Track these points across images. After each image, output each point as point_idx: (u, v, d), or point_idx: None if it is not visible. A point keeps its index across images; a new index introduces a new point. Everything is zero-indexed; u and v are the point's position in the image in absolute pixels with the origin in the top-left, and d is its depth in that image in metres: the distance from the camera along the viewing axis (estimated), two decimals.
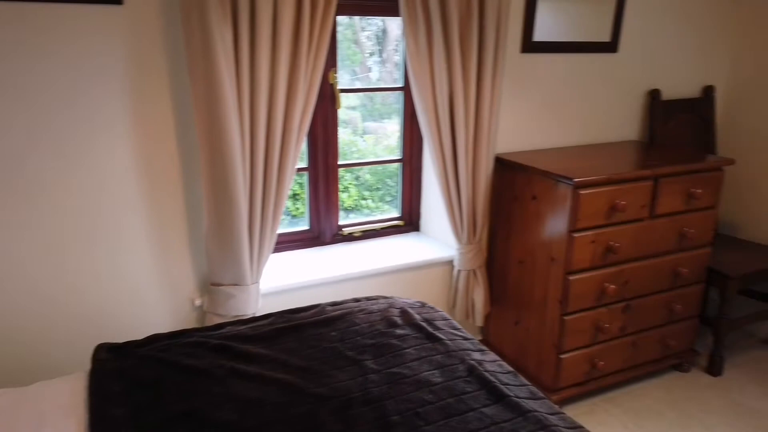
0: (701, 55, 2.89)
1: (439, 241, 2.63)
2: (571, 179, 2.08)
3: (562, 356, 2.28)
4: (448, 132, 2.24)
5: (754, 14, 2.83)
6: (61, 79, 1.69)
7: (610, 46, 2.63)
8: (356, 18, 2.54)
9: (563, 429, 1.25)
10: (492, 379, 1.41)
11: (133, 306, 1.98)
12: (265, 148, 1.91)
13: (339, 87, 2.35)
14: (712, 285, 2.56)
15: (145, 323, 2.01)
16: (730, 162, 2.41)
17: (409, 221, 2.76)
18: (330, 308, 1.76)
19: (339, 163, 2.50)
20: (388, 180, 2.74)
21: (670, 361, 2.58)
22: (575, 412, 2.32)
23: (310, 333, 1.61)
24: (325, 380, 1.39)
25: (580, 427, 1.28)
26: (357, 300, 1.84)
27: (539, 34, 2.44)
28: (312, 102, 1.94)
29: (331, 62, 2.31)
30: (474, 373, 1.44)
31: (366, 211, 2.80)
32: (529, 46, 2.43)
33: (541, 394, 1.41)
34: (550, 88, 2.56)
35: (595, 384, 2.39)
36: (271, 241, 2.02)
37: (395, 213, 2.75)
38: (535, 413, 1.29)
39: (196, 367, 1.41)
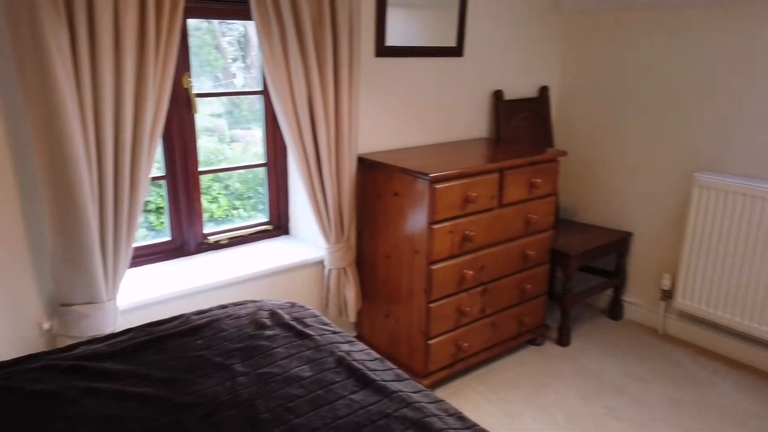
0: (536, 59, 3.21)
1: (308, 242, 2.66)
2: (427, 175, 2.21)
3: (430, 342, 2.41)
4: (310, 135, 2.28)
5: (575, 24, 3.20)
6: None
7: (456, 51, 2.83)
8: (216, 22, 2.50)
9: (425, 404, 1.33)
10: (360, 366, 1.47)
11: None
12: (114, 157, 1.81)
13: (195, 92, 2.30)
14: (556, 264, 2.85)
15: None
16: (563, 154, 2.70)
17: (278, 225, 2.76)
18: (195, 317, 1.72)
19: (200, 169, 2.44)
20: (259, 188, 2.72)
21: (526, 336, 2.83)
22: (445, 393, 2.46)
23: (174, 344, 1.56)
24: (192, 389, 1.36)
25: (441, 401, 1.38)
26: (224, 306, 1.81)
27: (391, 39, 2.57)
28: (164, 108, 1.89)
29: (185, 67, 2.25)
30: (343, 363, 1.49)
31: (238, 221, 2.75)
32: (383, 50, 2.54)
33: (406, 376, 1.49)
34: (405, 90, 2.70)
35: (462, 365, 2.56)
36: (127, 255, 1.92)
37: (264, 218, 2.74)
38: (401, 393, 1.37)
39: (45, 392, 1.31)
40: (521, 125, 3.15)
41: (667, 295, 2.94)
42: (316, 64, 2.19)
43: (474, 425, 1.28)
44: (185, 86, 2.26)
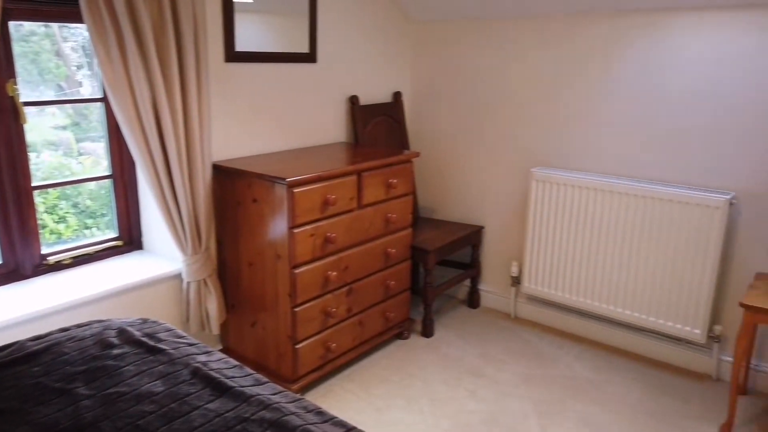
0: (388, 65, 3.35)
1: (164, 256, 2.54)
2: (284, 179, 2.22)
3: (298, 346, 2.41)
4: (157, 143, 2.18)
5: (423, 32, 3.40)
6: None
7: (309, 57, 2.87)
8: (55, 26, 2.29)
9: (284, 404, 1.34)
10: (216, 375, 1.44)
11: None
12: None
13: (23, 100, 2.10)
14: (417, 260, 2.99)
15: None
16: (416, 155, 2.85)
17: (130, 240, 2.60)
18: (31, 344, 1.57)
19: (34, 184, 2.24)
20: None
21: (393, 331, 2.94)
22: (316, 395, 2.48)
23: (6, 374, 1.42)
24: (28, 418, 1.25)
25: (301, 399, 1.39)
26: (65, 329, 1.68)
27: (242, 45, 2.54)
28: None
29: (9, 73, 2.05)
30: (198, 374, 1.45)
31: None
32: (233, 56, 2.51)
33: (265, 380, 1.49)
34: (260, 96, 2.68)
35: (331, 365, 2.59)
36: None
37: (113, 234, 2.57)
38: (259, 396, 1.36)
39: None
40: (378, 129, 3.26)
41: (516, 281, 3.21)
42: (159, 70, 2.11)
43: (332, 418, 1.31)
44: (10, 94, 2.06)
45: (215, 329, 2.52)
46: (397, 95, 3.40)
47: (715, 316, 2.61)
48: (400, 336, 3.02)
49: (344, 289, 2.57)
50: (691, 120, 2.54)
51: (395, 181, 2.70)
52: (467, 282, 3.45)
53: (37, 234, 2.26)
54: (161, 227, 2.42)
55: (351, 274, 2.59)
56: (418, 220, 3.38)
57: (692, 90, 2.52)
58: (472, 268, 3.32)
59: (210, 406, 1.32)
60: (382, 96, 3.36)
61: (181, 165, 2.26)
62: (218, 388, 1.40)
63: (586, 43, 2.79)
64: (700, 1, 2.39)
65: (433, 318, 3.08)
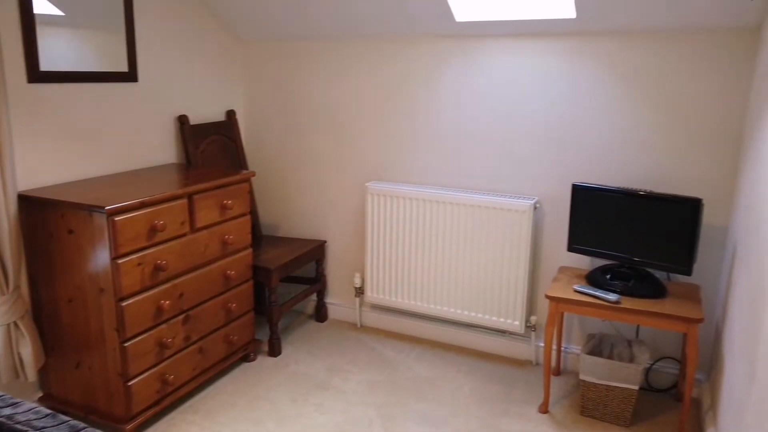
0: (220, 84, 3.29)
1: None
2: (103, 208, 2.08)
3: (131, 383, 2.27)
4: None
5: (254, 51, 3.39)
6: None
7: (129, 76, 2.73)
8: None
9: None
10: (24, 428, 1.32)
11: None
12: None
13: None
14: (260, 280, 2.97)
15: None
16: (252, 174, 2.83)
17: None
18: None
19: None
20: None
21: (238, 355, 2.88)
22: None
23: None
24: None
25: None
26: None
27: (49, 64, 2.34)
28: None
29: None
30: (2, 429, 1.31)
31: None
32: (38, 76, 2.31)
33: (83, 425, 1.39)
34: (75, 118, 2.49)
35: (170, 399, 2.47)
36: None
37: None
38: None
39: None
40: (212, 149, 3.19)
41: (360, 291, 3.32)
42: None
43: None
44: None
45: (32, 376, 2.28)
46: (231, 114, 3.36)
47: (531, 308, 2.94)
48: (246, 359, 2.97)
49: (180, 317, 2.48)
50: (499, 135, 2.84)
51: (230, 202, 2.66)
52: (314, 296, 3.49)
53: None
54: None
55: (187, 301, 2.50)
56: (261, 239, 3.36)
57: (497, 107, 2.82)
58: (317, 282, 3.37)
59: None
60: (215, 115, 3.29)
61: None
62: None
63: (409, 64, 2.99)
64: (498, 29, 2.69)
65: (279, 336, 3.07)
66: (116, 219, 2.12)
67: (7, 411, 1.41)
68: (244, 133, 3.51)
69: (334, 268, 3.45)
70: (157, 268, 2.31)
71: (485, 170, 2.91)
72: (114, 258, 2.15)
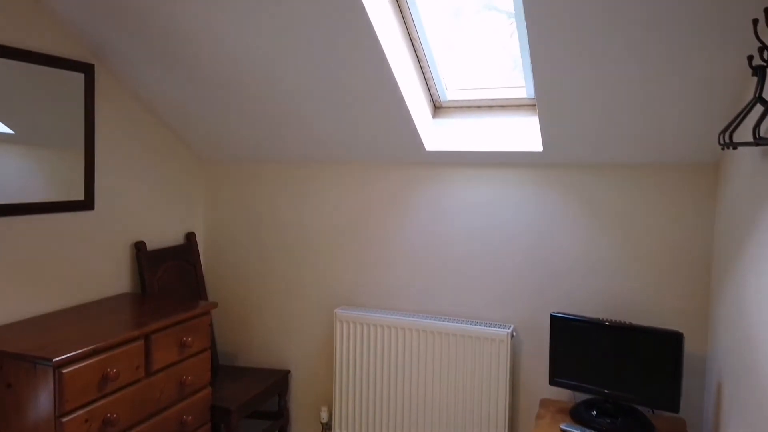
0: (180, 206, 3.18)
1: None
2: (50, 360, 1.86)
3: None
4: None
5: (215, 172, 3.33)
6: None
7: (85, 204, 2.58)
8: None
9: None
10: None
11: None
12: None
13: None
14: (218, 421, 2.70)
15: None
16: (214, 306, 2.65)
17: None
18: None
19: None
20: None
21: None
22: None
23: None
24: None
25: None
26: None
27: None
28: None
29: None
30: None
31: None
32: None
33: None
34: (20, 251, 2.30)
35: None
36: None
37: None
38: None
39: None
40: (170, 275, 3.00)
41: (327, 427, 3.08)
42: None
43: None
44: None
45: None
46: (191, 236, 3.21)
47: None
48: None
49: None
50: (472, 261, 2.81)
51: (190, 339, 2.46)
52: None
53: None
54: None
55: None
56: (218, 370, 3.11)
57: (470, 234, 2.81)
58: (280, 418, 3.11)
59: None
60: (174, 239, 3.14)
61: None
62: None
63: (379, 189, 2.98)
64: (468, 159, 2.73)
65: None
66: (64, 371, 1.89)
67: None
68: (204, 257, 3.36)
69: (299, 401, 3.20)
70: (106, 423, 2.06)
71: (459, 297, 2.85)
72: (59, 416, 1.89)
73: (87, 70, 2.54)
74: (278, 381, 3.05)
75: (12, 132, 2.27)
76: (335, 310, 2.98)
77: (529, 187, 2.70)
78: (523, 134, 2.62)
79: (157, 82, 2.74)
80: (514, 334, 2.72)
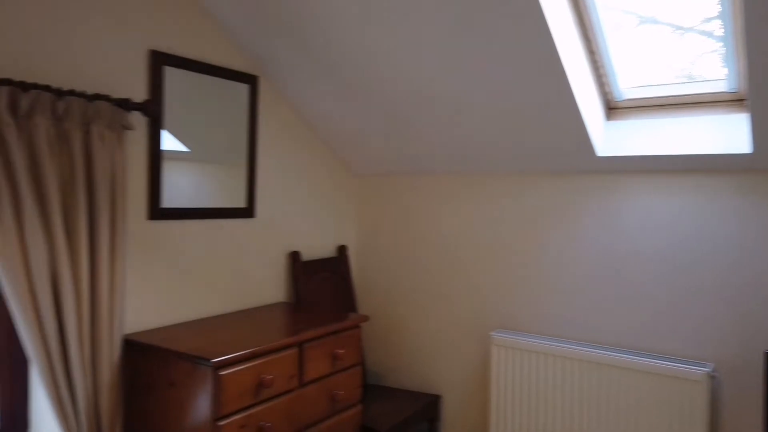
0: (332, 219, 3.16)
1: None
2: (209, 360, 1.84)
3: None
4: (53, 319, 1.79)
5: (368, 186, 3.27)
6: None
7: (247, 212, 2.63)
8: None
9: None
10: None
11: None
12: None
13: None
14: None
15: None
16: (365, 319, 2.54)
17: (12, 428, 2.08)
18: None
19: None
20: None
21: None
22: None
23: None
24: None
25: None
26: None
27: (170, 200, 2.27)
28: None
29: None
30: None
31: None
32: (158, 213, 2.23)
33: None
34: (189, 255, 2.38)
35: None
36: None
37: None
38: None
39: None
40: (321, 286, 2.97)
41: None
42: (63, 235, 1.78)
43: None
44: None
45: None
46: (342, 249, 3.17)
47: None
48: None
49: None
50: (655, 284, 2.40)
51: (342, 351, 2.36)
52: None
53: None
54: (52, 415, 1.94)
55: None
56: (367, 389, 2.99)
57: (652, 252, 2.41)
58: None
59: None
60: (326, 251, 3.12)
61: (81, 343, 1.86)
62: None
63: (540, 201, 2.70)
64: (648, 165, 2.36)
65: None
66: (221, 373, 1.87)
67: None
68: (355, 271, 3.30)
69: (451, 429, 2.97)
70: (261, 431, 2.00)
71: (640, 325, 2.44)
72: (216, 419, 1.86)
73: (252, 81, 2.61)
74: (429, 405, 2.85)
75: (188, 150, 2.38)
76: (491, 334, 2.72)
77: (731, 195, 2.25)
78: (724, 134, 2.21)
79: (314, 96, 2.75)
80: (715, 374, 2.25)
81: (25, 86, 1.69)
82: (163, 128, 2.23)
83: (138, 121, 2.13)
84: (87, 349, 1.89)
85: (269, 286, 2.78)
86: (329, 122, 2.93)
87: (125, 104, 1.98)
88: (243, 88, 2.58)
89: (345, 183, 3.25)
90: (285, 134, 2.85)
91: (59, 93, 1.78)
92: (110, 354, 1.96)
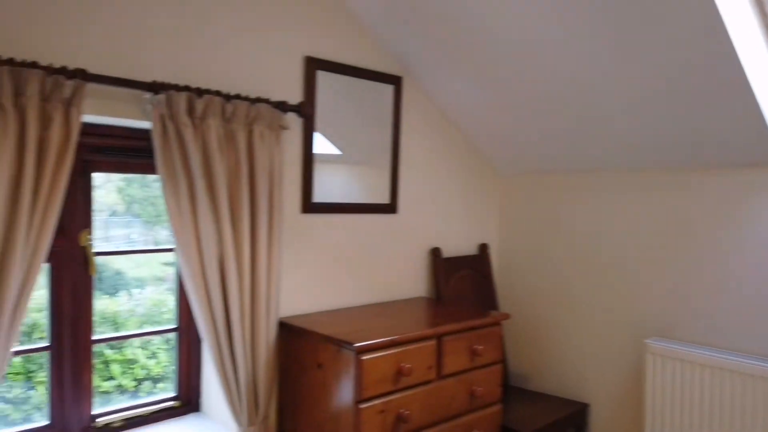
0: (474, 217, 3.15)
1: (220, 422, 2.26)
2: (352, 344, 1.94)
3: None
4: (220, 299, 2.01)
5: (513, 184, 3.21)
6: None
7: (390, 208, 2.72)
8: None
9: None
10: None
11: None
12: None
13: (96, 249, 2.05)
14: None
15: None
16: (506, 317, 2.50)
17: (188, 401, 2.37)
18: None
19: (98, 337, 2.11)
20: None
21: None
22: None
23: None
24: None
25: None
26: None
27: (320, 196, 2.44)
28: (37, 267, 1.62)
29: (85, 222, 2.02)
30: None
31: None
32: (310, 207, 2.40)
33: None
34: (335, 248, 2.53)
35: None
36: None
37: (171, 393, 2.36)
38: None
39: None
40: (462, 284, 2.97)
41: None
42: (229, 222, 2.00)
43: None
44: (83, 243, 2.01)
45: None
46: (484, 247, 3.14)
47: None
48: None
49: None
50: None
51: (481, 347, 2.34)
52: None
53: (89, 391, 2.08)
54: (219, 390, 2.18)
55: None
56: (509, 391, 2.93)
57: None
58: None
59: None
60: (467, 248, 3.11)
61: (243, 322, 2.06)
62: None
63: (702, 199, 2.44)
64: None
65: None
66: (364, 358, 1.95)
67: None
68: (497, 270, 3.25)
69: None
70: (400, 419, 2.05)
71: None
72: (357, 401, 1.95)
73: (396, 81, 2.71)
74: (575, 414, 2.71)
75: (340, 153, 2.54)
76: (646, 341, 2.52)
77: None
78: None
79: (458, 94, 2.78)
80: None
81: (200, 92, 1.93)
82: (315, 130, 2.40)
83: (293, 121, 2.32)
84: (248, 329, 2.09)
85: (410, 281, 2.84)
86: (473, 120, 2.93)
87: (282, 106, 2.17)
88: (388, 89, 2.68)
89: (488, 181, 3.23)
90: (428, 133, 2.91)
91: (228, 97, 2.01)
92: (267, 334, 2.14)
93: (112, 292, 2.45)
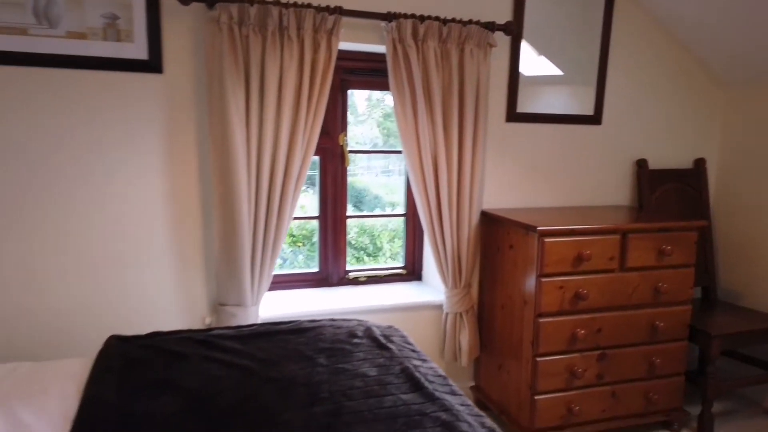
0: (689, 130, 3.10)
1: (434, 288, 2.88)
2: (535, 228, 2.32)
3: (537, 397, 2.41)
4: (433, 189, 2.56)
5: (738, 95, 3.04)
6: (111, 133, 2.19)
7: (593, 119, 2.91)
8: None
9: (464, 414, 1.45)
10: (419, 376, 1.65)
11: (156, 322, 2.35)
12: (267, 193, 2.29)
13: (348, 149, 2.76)
14: (697, 344, 2.63)
15: None
16: (702, 224, 2.55)
17: (412, 271, 3.03)
18: (307, 323, 2.06)
19: (347, 214, 2.87)
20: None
21: (657, 417, 2.62)
22: None
23: (282, 337, 1.91)
24: (279, 368, 1.68)
25: (482, 415, 1.48)
26: (333, 320, 2.13)
27: (523, 106, 2.78)
28: (309, 157, 2.34)
29: (342, 127, 2.73)
30: (406, 372, 1.68)
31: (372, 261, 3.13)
32: (514, 116, 2.76)
33: (460, 392, 1.62)
34: (537, 154, 2.86)
35: (573, 430, 2.48)
36: (269, 273, 2.36)
37: (400, 263, 3.05)
38: (444, 400, 1.51)
39: (179, 353, 1.74)
40: (668, 196, 3.03)
41: None
42: (442, 129, 2.50)
43: None
44: (341, 143, 2.73)
45: (465, 362, 2.71)
46: (700, 162, 3.10)
47: None
48: (668, 426, 2.67)
49: (596, 353, 2.46)
50: None
51: (669, 248, 2.48)
52: None
53: (344, 253, 2.87)
54: (432, 262, 2.78)
55: (604, 338, 2.46)
56: (715, 304, 2.96)
57: None
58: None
59: (403, 396, 1.53)
60: (679, 162, 3.12)
61: (450, 209, 2.59)
62: (415, 385, 1.60)
63: None
64: None
65: (713, 418, 2.62)
66: (545, 240, 2.32)
67: (417, 362, 1.77)
68: (714, 187, 3.17)
69: None
70: (578, 296, 2.39)
71: None
72: (539, 276, 2.35)
73: None
74: None
75: (562, 73, 2.83)
76: None
77: None
78: None
79: (676, 1, 2.74)
80: None
81: (422, 18, 2.42)
82: (521, 46, 2.71)
83: (500, 39, 2.66)
84: (454, 215, 2.61)
85: (611, 190, 3.02)
86: (692, 27, 2.86)
87: (491, 26, 2.54)
88: (599, 1, 2.81)
89: (708, 93, 3.12)
90: (641, 43, 2.95)
91: (444, 21, 2.46)
92: (469, 221, 2.64)
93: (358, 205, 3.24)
